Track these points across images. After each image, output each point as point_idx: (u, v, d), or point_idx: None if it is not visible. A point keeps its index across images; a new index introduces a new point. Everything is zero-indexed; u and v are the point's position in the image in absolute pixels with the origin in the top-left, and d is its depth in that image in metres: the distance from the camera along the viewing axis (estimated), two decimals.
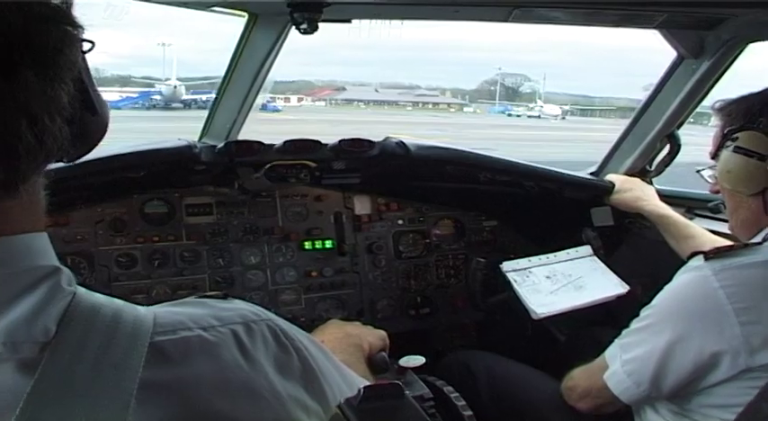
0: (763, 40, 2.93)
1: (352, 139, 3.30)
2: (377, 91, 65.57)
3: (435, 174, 3.56)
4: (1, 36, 0.81)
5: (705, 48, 3.07)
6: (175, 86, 42.88)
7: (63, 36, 0.89)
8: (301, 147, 3.22)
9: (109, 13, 2.44)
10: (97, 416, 0.86)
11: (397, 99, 64.68)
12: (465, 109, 58.77)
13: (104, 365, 0.89)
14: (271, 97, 42.17)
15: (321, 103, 56.29)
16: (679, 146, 3.42)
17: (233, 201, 3.35)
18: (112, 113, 1.07)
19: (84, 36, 0.97)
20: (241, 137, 3.38)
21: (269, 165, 3.12)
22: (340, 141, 3.28)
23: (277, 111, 39.07)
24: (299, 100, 51.48)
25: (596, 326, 3.34)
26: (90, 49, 0.99)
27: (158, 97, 42.88)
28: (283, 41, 2.95)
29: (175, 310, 1.04)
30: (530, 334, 3.62)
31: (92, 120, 1.01)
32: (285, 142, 3.20)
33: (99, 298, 0.97)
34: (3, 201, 0.88)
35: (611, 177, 3.51)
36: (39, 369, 0.86)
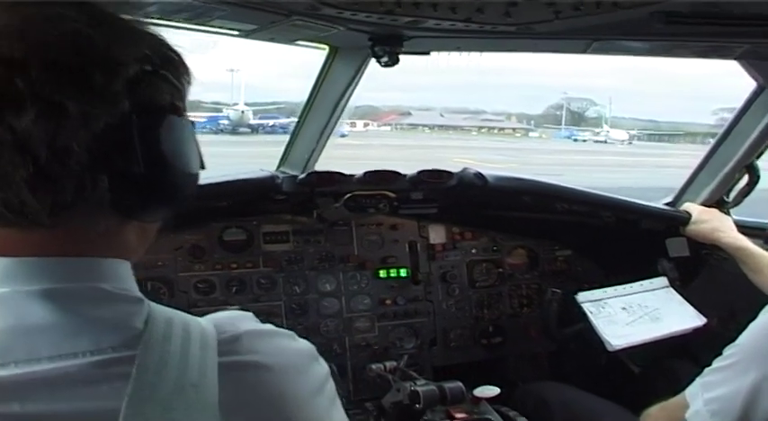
0: None
1: (431, 170, 3.35)
2: (442, 116, 65.53)
3: (511, 204, 3.58)
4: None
5: None
6: (243, 111, 43.48)
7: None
8: (381, 178, 3.29)
9: (197, 46, 2.52)
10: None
11: (462, 124, 64.58)
12: (530, 134, 58.42)
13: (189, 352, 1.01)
14: None
15: (386, 128, 56.48)
16: (758, 176, 3.35)
17: (310, 230, 3.40)
18: None
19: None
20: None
21: (348, 195, 3.19)
22: (419, 172, 3.33)
23: (344, 136, 39.33)
24: (365, 125, 51.69)
25: (671, 358, 3.30)
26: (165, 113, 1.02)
27: (226, 122, 43.57)
28: (363, 73, 3.00)
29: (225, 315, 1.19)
30: (604, 365, 3.58)
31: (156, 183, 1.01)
32: (365, 173, 3.26)
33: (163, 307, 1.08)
34: (46, 229, 0.95)
35: (687, 207, 3.45)
36: (134, 367, 0.94)
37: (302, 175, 3.16)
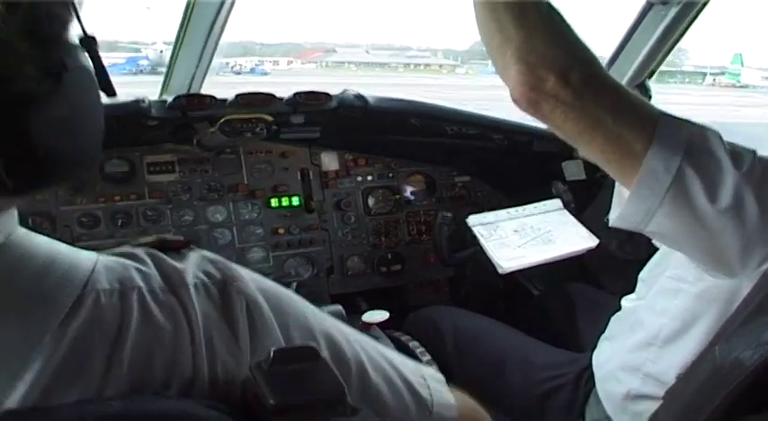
0: None
1: (309, 92, 3.24)
2: (368, 52, 64.81)
3: (400, 128, 3.50)
4: None
5: None
6: (162, 51, 42.24)
7: None
8: (254, 101, 3.16)
9: None
10: None
11: (389, 61, 63.97)
12: (457, 70, 58.23)
13: None
14: (259, 61, 41.70)
15: (312, 66, 55.52)
16: (650, 96, 3.33)
17: (195, 159, 3.29)
18: None
19: None
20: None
21: (223, 120, 3.06)
22: (295, 94, 3.22)
23: (265, 74, 38.57)
24: (289, 63, 50.57)
25: (571, 280, 3.31)
26: None
27: (145, 62, 42.29)
28: None
29: (120, 265, 0.92)
30: (502, 289, 3.59)
31: None
32: (237, 96, 3.13)
33: (37, 243, 0.89)
34: None
35: None
36: None
37: (170, 99, 3.03)
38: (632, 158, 1.52)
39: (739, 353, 1.51)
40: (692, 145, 1.50)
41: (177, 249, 0.99)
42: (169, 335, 0.86)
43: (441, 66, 62.43)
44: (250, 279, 0.99)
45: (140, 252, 0.95)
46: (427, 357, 2.73)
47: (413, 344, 2.80)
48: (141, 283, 0.88)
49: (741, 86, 42.34)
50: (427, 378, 1.15)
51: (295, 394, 0.83)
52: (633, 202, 1.54)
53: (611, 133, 1.52)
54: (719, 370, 1.56)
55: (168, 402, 0.82)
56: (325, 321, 1.08)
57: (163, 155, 3.24)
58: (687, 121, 1.55)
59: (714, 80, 47.38)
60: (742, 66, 43.81)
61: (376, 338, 2.74)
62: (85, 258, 0.90)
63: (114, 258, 0.93)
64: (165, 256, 0.95)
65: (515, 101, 1.55)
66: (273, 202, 3.42)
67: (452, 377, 2.68)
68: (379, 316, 2.81)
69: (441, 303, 3.53)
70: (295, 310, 1.04)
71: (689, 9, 2.99)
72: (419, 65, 62.58)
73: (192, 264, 0.96)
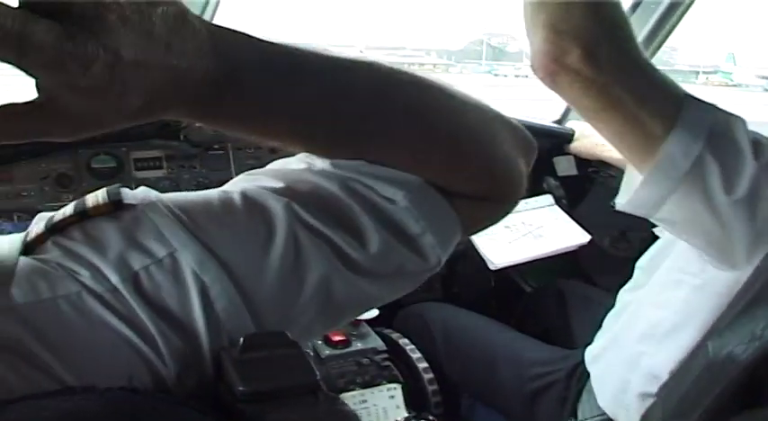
0: None
1: None
2: (361, 52, 64.97)
3: None
4: None
5: None
6: None
7: None
8: None
9: None
10: None
11: (383, 60, 63.96)
12: (450, 69, 58.26)
13: None
14: None
15: None
16: None
17: (183, 155, 3.22)
18: None
19: None
20: None
21: None
22: None
23: None
24: None
25: (564, 277, 3.28)
26: None
27: None
28: None
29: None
30: (494, 286, 3.56)
31: None
32: None
33: None
34: None
35: (572, 124, 3.39)
36: None
37: None
38: (651, 141, 1.47)
39: (732, 348, 1.48)
40: (715, 131, 1.45)
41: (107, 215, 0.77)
42: (111, 343, 0.70)
43: (435, 65, 62.51)
44: (206, 243, 0.78)
45: (51, 254, 0.74)
46: (417, 354, 2.70)
47: (403, 341, 2.78)
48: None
49: (733, 85, 42.50)
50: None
51: (266, 381, 0.79)
52: (646, 188, 1.50)
53: (630, 114, 1.47)
54: (713, 365, 1.54)
55: (134, 396, 0.75)
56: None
57: (150, 151, 3.19)
58: (713, 106, 1.50)
59: (707, 79, 47.46)
60: (735, 65, 44.01)
61: (364, 335, 2.73)
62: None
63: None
64: (79, 247, 0.74)
65: (534, 69, 1.48)
66: None
67: (443, 374, 2.67)
68: (368, 313, 2.77)
69: (433, 300, 3.50)
70: (263, 285, 0.81)
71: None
72: (413, 64, 62.68)
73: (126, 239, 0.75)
